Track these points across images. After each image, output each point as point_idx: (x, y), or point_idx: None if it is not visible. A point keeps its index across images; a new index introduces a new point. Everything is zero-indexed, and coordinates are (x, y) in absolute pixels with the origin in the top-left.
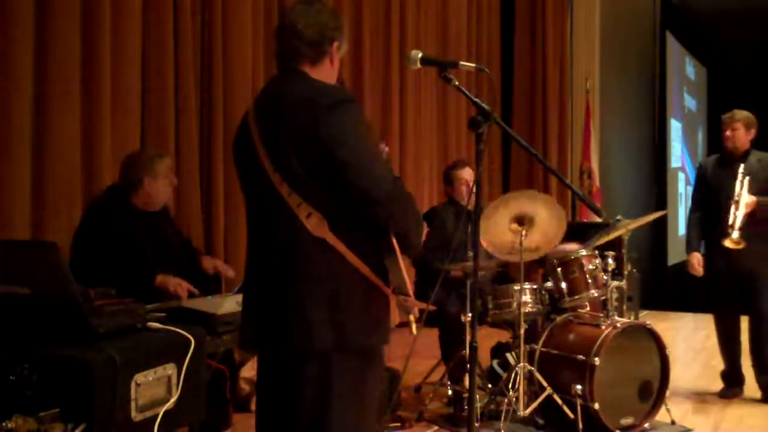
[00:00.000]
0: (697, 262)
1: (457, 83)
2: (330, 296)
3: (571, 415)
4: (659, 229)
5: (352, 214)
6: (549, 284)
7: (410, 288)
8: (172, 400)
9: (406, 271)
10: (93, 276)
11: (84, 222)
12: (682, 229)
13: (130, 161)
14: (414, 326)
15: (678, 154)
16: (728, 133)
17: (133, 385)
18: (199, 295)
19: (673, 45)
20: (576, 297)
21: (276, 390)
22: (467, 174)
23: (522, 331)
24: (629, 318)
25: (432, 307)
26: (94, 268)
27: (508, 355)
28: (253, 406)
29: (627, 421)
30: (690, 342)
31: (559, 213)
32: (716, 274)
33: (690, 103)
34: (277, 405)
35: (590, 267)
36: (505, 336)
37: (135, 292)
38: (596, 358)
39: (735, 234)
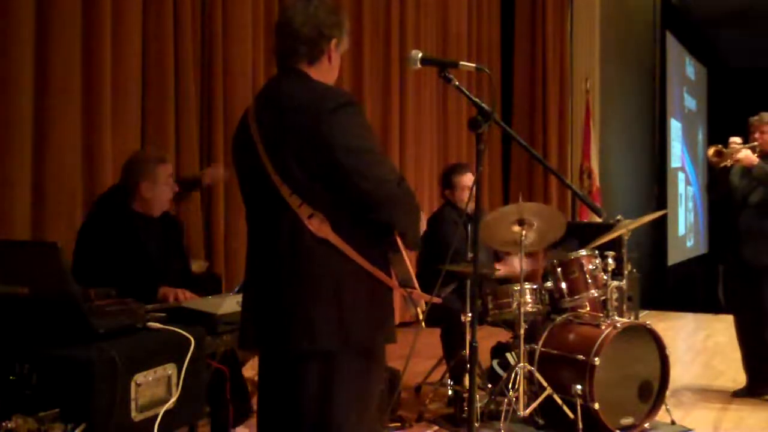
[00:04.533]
0: None
1: (457, 83)
2: (334, 296)
3: (571, 415)
4: (659, 229)
5: (355, 214)
6: (549, 284)
7: (415, 281)
8: (172, 400)
9: (410, 265)
10: (95, 280)
11: (86, 224)
12: (682, 229)
13: (129, 165)
14: (422, 318)
15: (678, 154)
16: (757, 135)
17: (133, 385)
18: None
19: (673, 45)
20: (576, 297)
21: (278, 389)
22: (469, 180)
23: (522, 331)
24: (629, 318)
25: (437, 300)
26: (97, 273)
27: (508, 355)
28: (253, 406)
29: (627, 421)
30: (690, 342)
31: (559, 217)
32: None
33: (690, 103)
34: (278, 404)
35: (590, 267)
36: (505, 336)
37: (137, 297)
38: (596, 358)
39: None
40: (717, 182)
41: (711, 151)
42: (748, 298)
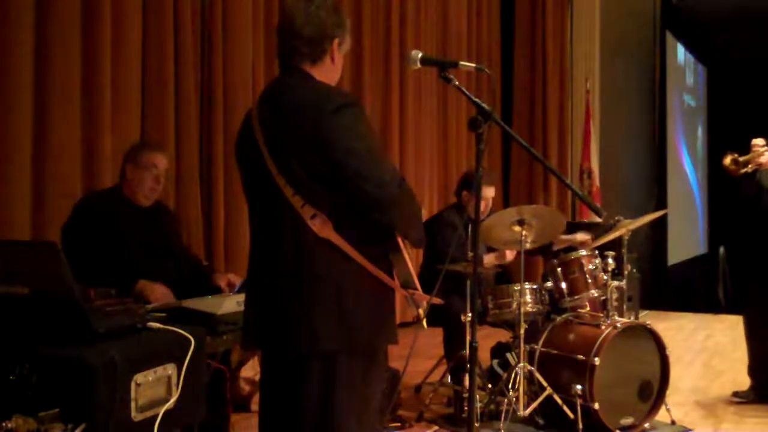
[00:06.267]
0: None
1: (457, 83)
2: (336, 297)
3: (571, 415)
4: (659, 229)
5: (357, 215)
6: (549, 284)
7: (417, 282)
8: (172, 400)
9: (411, 266)
10: (76, 270)
11: (71, 216)
12: (682, 229)
13: (126, 151)
14: (424, 319)
15: (678, 154)
16: None
17: (133, 385)
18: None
19: (673, 45)
20: (576, 297)
21: (280, 389)
22: (491, 193)
23: (522, 331)
24: (629, 318)
25: (438, 301)
26: (77, 262)
27: (508, 355)
28: (253, 406)
29: (627, 421)
30: (690, 342)
31: (558, 217)
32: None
33: (690, 102)
34: (280, 404)
35: (590, 267)
36: (505, 336)
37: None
38: (596, 358)
39: None
40: (745, 185)
41: (727, 160)
42: (765, 300)
